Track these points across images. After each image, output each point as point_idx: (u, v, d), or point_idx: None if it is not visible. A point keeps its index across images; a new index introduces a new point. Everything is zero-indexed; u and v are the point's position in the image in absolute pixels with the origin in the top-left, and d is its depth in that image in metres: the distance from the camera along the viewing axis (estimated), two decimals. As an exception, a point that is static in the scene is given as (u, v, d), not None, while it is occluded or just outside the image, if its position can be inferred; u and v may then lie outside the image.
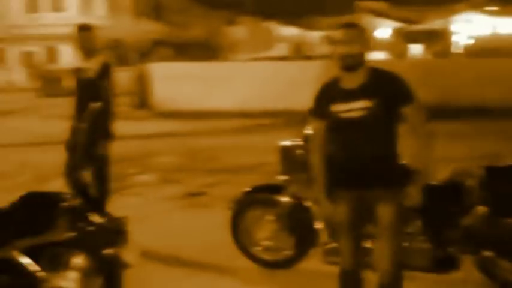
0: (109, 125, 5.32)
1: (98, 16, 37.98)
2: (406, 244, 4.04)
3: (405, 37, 34.07)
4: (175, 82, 16.37)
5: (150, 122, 15.15)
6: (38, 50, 35.65)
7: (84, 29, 5.41)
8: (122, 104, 18.03)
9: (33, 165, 9.23)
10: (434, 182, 4.14)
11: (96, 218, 3.86)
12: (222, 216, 5.21)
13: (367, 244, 3.63)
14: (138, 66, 19.57)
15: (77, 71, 5.51)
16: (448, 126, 12.58)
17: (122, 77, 28.26)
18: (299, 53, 40.63)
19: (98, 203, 5.32)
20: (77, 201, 3.86)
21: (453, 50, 25.67)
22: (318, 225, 4.33)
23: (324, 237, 4.26)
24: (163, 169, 9.02)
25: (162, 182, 8.24)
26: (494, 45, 23.57)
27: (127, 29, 22.23)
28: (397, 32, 34.12)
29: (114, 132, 5.42)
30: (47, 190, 4.63)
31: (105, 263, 3.78)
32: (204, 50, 39.94)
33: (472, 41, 28.81)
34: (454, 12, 25.53)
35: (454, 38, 28.16)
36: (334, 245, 3.95)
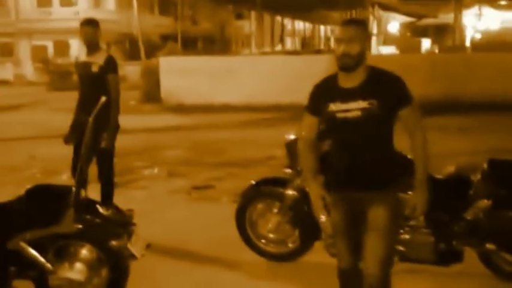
0: (115, 119, 5.36)
1: (108, 10, 38.12)
2: (409, 237, 4.08)
3: (413, 31, 33.92)
4: (182, 76, 16.40)
5: (157, 116, 15.20)
6: (48, 44, 35.78)
7: (88, 23, 5.43)
8: (130, 98, 18.31)
9: (41, 158, 9.30)
10: (438, 176, 4.17)
11: (102, 211, 3.91)
12: (228, 210, 5.26)
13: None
14: (146, 60, 19.61)
15: (81, 66, 5.53)
16: (456, 121, 12.59)
17: (131, 71, 28.40)
18: (308, 47, 40.58)
19: (104, 196, 5.37)
20: (83, 194, 3.90)
21: (461, 44, 25.51)
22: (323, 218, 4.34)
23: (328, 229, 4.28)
24: (170, 163, 9.06)
25: (169, 175, 8.27)
26: (502, 39, 23.44)
27: (136, 23, 22.21)
28: (404, 27, 33.94)
29: (119, 126, 5.45)
30: (54, 183, 4.66)
31: (112, 255, 3.83)
32: (213, 44, 39.98)
33: (479, 35, 28.66)
34: (464, 6, 25.35)
35: (462, 32, 27.98)
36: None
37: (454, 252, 4.09)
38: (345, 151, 3.12)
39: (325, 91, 3.13)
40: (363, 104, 2.97)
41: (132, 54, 31.25)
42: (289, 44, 44.28)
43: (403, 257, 4.11)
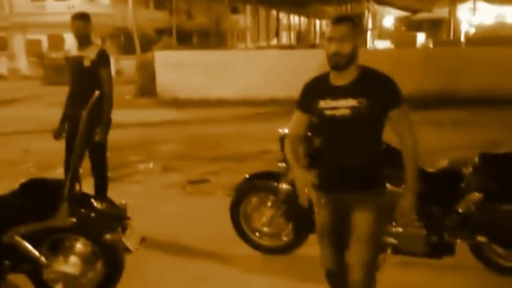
0: (108, 113, 5.36)
1: (102, 4, 37.99)
2: (402, 230, 4.11)
3: (408, 26, 33.95)
4: (178, 70, 16.40)
5: (152, 110, 15.19)
6: (42, 38, 35.66)
7: (80, 17, 5.42)
8: (125, 92, 18.29)
9: (36, 152, 9.30)
10: (429, 169, 4.20)
11: (96, 205, 3.92)
12: (222, 204, 5.28)
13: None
14: (141, 55, 19.57)
15: (73, 60, 5.51)
16: (450, 115, 12.64)
17: (126, 65, 28.29)
18: (304, 41, 40.57)
19: (98, 190, 5.38)
20: (77, 188, 3.91)
21: (455, 38, 25.57)
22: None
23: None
24: (165, 157, 9.08)
25: (163, 169, 8.29)
26: (496, 33, 23.46)
27: (131, 17, 22.17)
28: (399, 21, 33.97)
29: (111, 120, 5.45)
30: (48, 177, 4.66)
31: (106, 248, 3.85)
32: (208, 39, 39.91)
33: (474, 30, 28.68)
34: (459, 0, 25.39)
35: (457, 27, 28.03)
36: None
37: (446, 245, 4.12)
38: (333, 150, 3.08)
39: (316, 88, 3.09)
40: (352, 102, 2.93)
41: (127, 49, 31.17)
42: (284, 38, 44.26)
43: (395, 249, 4.15)
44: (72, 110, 5.38)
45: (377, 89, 2.95)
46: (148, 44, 22.32)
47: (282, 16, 41.36)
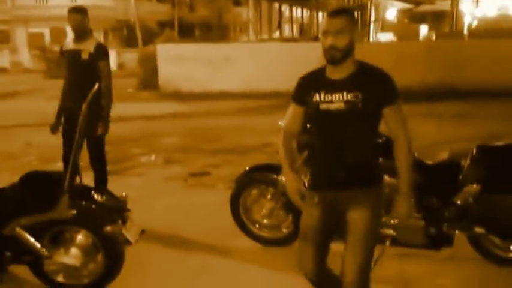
0: (108, 106, 5.37)
1: (104, -3, 37.91)
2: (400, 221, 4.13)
3: (411, 18, 33.87)
4: (180, 63, 16.41)
5: (154, 103, 15.22)
6: (45, 31, 35.66)
7: (76, 11, 5.42)
8: (127, 85, 18.30)
9: (38, 145, 9.33)
10: (428, 162, 4.22)
11: (97, 197, 3.95)
12: (223, 196, 5.30)
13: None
14: (143, 48, 19.58)
15: (69, 53, 5.50)
16: (453, 107, 12.64)
17: (128, 58, 28.25)
18: (306, 34, 40.50)
19: (98, 182, 5.41)
20: (78, 181, 3.94)
21: (458, 30, 25.51)
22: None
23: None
24: (167, 150, 9.10)
25: (165, 162, 8.31)
26: (499, 26, 23.40)
27: (133, 10, 22.16)
28: (402, 13, 33.89)
29: (110, 114, 5.45)
30: (49, 169, 4.69)
31: (106, 240, 3.88)
32: (210, 31, 39.87)
33: (476, 22, 28.63)
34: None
35: (459, 19, 27.95)
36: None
37: (445, 236, 4.15)
38: (326, 146, 2.98)
39: (312, 81, 3.02)
40: (347, 96, 2.86)
41: (130, 42, 31.18)
42: (287, 31, 44.18)
43: (394, 241, 4.16)
44: (69, 103, 5.39)
45: (373, 85, 2.88)
46: (150, 37, 22.34)
47: (285, 9, 41.26)
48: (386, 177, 3.80)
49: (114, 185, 5.48)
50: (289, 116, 3.16)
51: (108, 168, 5.81)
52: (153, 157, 8.59)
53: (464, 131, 9.64)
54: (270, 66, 15.42)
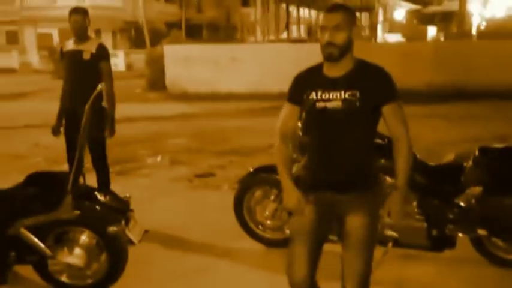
0: (112, 107, 5.40)
1: (113, -2, 38.09)
2: (403, 222, 4.13)
3: (419, 19, 33.77)
4: (187, 64, 16.45)
5: (162, 104, 15.27)
6: (53, 32, 35.83)
7: (77, 11, 5.45)
8: (135, 86, 18.33)
9: (45, 146, 9.38)
10: (431, 163, 4.23)
11: (100, 197, 3.98)
12: (228, 197, 5.30)
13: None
14: (151, 49, 19.65)
15: (70, 54, 5.51)
16: (461, 109, 12.61)
17: (137, 59, 28.30)
18: (314, 35, 40.45)
19: (101, 183, 5.43)
20: (81, 181, 3.97)
21: (467, 31, 25.43)
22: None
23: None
24: (174, 151, 9.13)
25: (171, 163, 8.34)
26: (508, 27, 23.32)
27: (141, 11, 22.27)
28: (411, 14, 33.79)
29: (115, 115, 5.46)
30: (53, 170, 4.73)
31: (110, 240, 3.90)
32: (218, 32, 39.93)
33: (485, 23, 28.51)
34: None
35: (468, 20, 27.84)
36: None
37: (447, 238, 4.16)
38: (323, 147, 2.87)
39: (308, 79, 2.93)
40: (344, 94, 2.77)
41: (138, 42, 31.31)
42: (295, 32, 44.17)
43: (396, 243, 4.18)
44: (70, 105, 5.41)
45: (372, 82, 2.80)
46: (158, 38, 22.42)
47: (292, 9, 41.25)
48: (388, 179, 3.82)
49: (120, 186, 5.52)
50: (284, 117, 3.02)
51: (115, 168, 5.85)
52: (159, 158, 8.62)
53: (471, 133, 9.61)
54: (277, 67, 15.40)
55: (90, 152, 5.39)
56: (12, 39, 37.78)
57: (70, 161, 5.17)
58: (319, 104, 2.84)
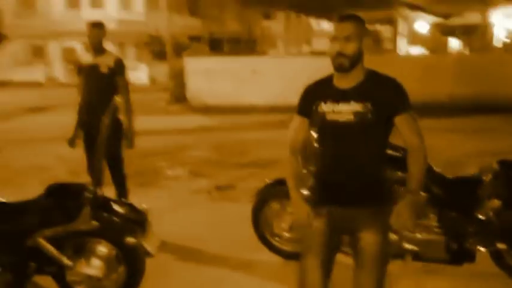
0: (130, 120, 5.45)
1: (137, 12, 38.62)
2: (422, 236, 4.10)
3: (443, 31, 33.54)
4: (208, 77, 16.56)
5: (183, 117, 15.37)
6: (78, 46, 36.36)
7: (95, 25, 5.53)
8: (158, 99, 18.48)
9: (69, 159, 9.47)
10: (449, 176, 4.19)
11: (118, 208, 4.02)
12: (246, 209, 5.29)
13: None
14: (173, 62, 19.81)
15: (88, 67, 5.58)
16: (483, 122, 12.48)
17: (159, 72, 28.46)
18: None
19: (119, 196, 5.48)
20: (100, 192, 4.01)
21: (491, 44, 25.18)
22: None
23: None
24: (194, 163, 9.19)
25: (192, 175, 8.38)
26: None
27: (164, 24, 22.44)
28: (434, 27, 33.56)
29: (133, 128, 5.52)
30: (72, 181, 4.78)
31: (127, 251, 3.93)
32: (240, 45, 40.12)
33: (509, 35, 28.18)
34: (492, 5, 24.95)
35: (491, 32, 27.56)
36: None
37: (467, 252, 4.11)
38: (334, 160, 2.82)
39: (318, 90, 2.90)
40: (356, 107, 2.73)
41: (161, 56, 31.56)
42: (317, 44, 44.15)
43: (415, 256, 4.15)
44: (88, 117, 5.49)
45: (383, 94, 2.74)
46: (181, 51, 22.58)
47: (315, 22, 41.28)
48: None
49: (140, 197, 5.55)
50: (294, 130, 2.99)
51: (136, 180, 5.88)
52: (179, 170, 8.68)
53: (493, 146, 9.50)
54: (298, 80, 15.31)
55: (107, 164, 5.45)
56: (38, 53, 38.45)
57: (91, 172, 5.23)
58: (330, 117, 2.80)
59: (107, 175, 5.51)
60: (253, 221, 4.94)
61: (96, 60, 5.53)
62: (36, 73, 35.71)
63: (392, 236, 4.07)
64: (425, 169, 2.83)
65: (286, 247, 4.91)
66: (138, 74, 32.89)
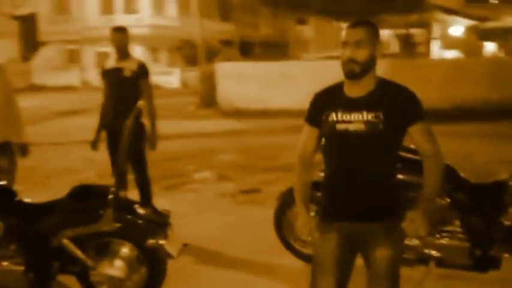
0: (154, 123, 5.51)
1: (170, 17, 38.98)
2: (445, 242, 4.04)
3: (478, 35, 33.05)
4: (238, 81, 16.63)
5: (213, 121, 15.47)
6: (112, 50, 36.90)
7: (119, 30, 5.62)
8: (189, 103, 18.61)
9: (97, 161, 9.61)
10: (473, 181, 4.12)
11: (140, 210, 4.06)
12: (270, 213, 5.29)
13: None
14: (204, 66, 19.97)
15: (111, 71, 5.66)
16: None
17: (191, 77, 28.68)
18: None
19: (143, 198, 5.53)
20: (123, 194, 4.06)
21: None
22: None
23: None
24: (221, 166, 9.23)
25: (218, 179, 8.43)
26: None
27: (197, 29, 22.63)
28: (470, 30, 33.11)
29: (157, 132, 5.56)
30: (97, 183, 4.86)
31: (149, 253, 3.97)
32: (272, 49, 40.18)
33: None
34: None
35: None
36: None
37: (491, 259, 4.03)
38: (343, 172, 2.71)
39: (328, 99, 2.78)
40: (367, 116, 2.62)
41: (193, 60, 31.82)
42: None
43: (439, 262, 4.09)
44: (111, 121, 5.57)
45: (395, 103, 2.63)
46: (213, 56, 22.76)
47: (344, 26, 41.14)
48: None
49: (166, 200, 5.60)
50: (303, 139, 2.88)
51: (162, 183, 5.94)
52: (207, 173, 8.73)
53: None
54: (327, 84, 15.36)
55: (131, 167, 5.51)
56: (74, 58, 39.15)
57: (116, 174, 5.30)
58: (340, 126, 2.69)
59: (132, 178, 5.59)
60: (275, 224, 4.94)
61: (120, 64, 5.61)
62: (71, 77, 36.39)
63: (415, 242, 4.04)
64: (443, 175, 2.74)
65: (309, 251, 4.87)
66: (171, 78, 33.25)
